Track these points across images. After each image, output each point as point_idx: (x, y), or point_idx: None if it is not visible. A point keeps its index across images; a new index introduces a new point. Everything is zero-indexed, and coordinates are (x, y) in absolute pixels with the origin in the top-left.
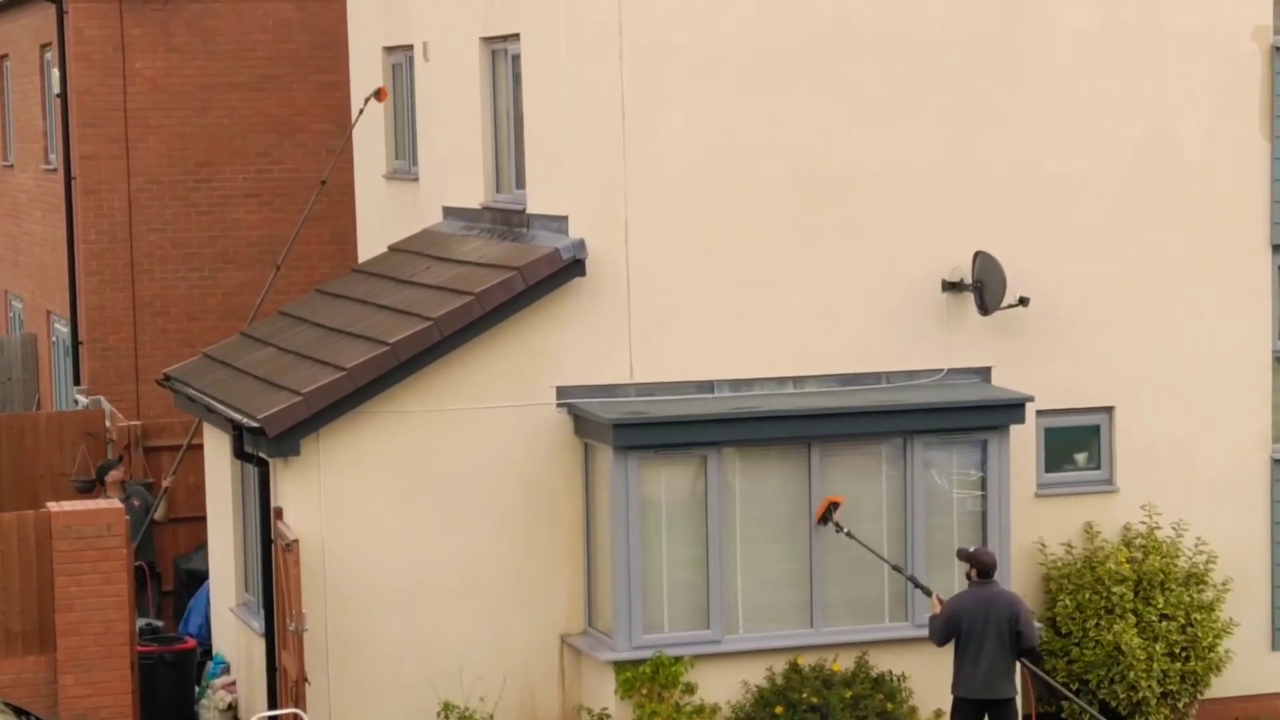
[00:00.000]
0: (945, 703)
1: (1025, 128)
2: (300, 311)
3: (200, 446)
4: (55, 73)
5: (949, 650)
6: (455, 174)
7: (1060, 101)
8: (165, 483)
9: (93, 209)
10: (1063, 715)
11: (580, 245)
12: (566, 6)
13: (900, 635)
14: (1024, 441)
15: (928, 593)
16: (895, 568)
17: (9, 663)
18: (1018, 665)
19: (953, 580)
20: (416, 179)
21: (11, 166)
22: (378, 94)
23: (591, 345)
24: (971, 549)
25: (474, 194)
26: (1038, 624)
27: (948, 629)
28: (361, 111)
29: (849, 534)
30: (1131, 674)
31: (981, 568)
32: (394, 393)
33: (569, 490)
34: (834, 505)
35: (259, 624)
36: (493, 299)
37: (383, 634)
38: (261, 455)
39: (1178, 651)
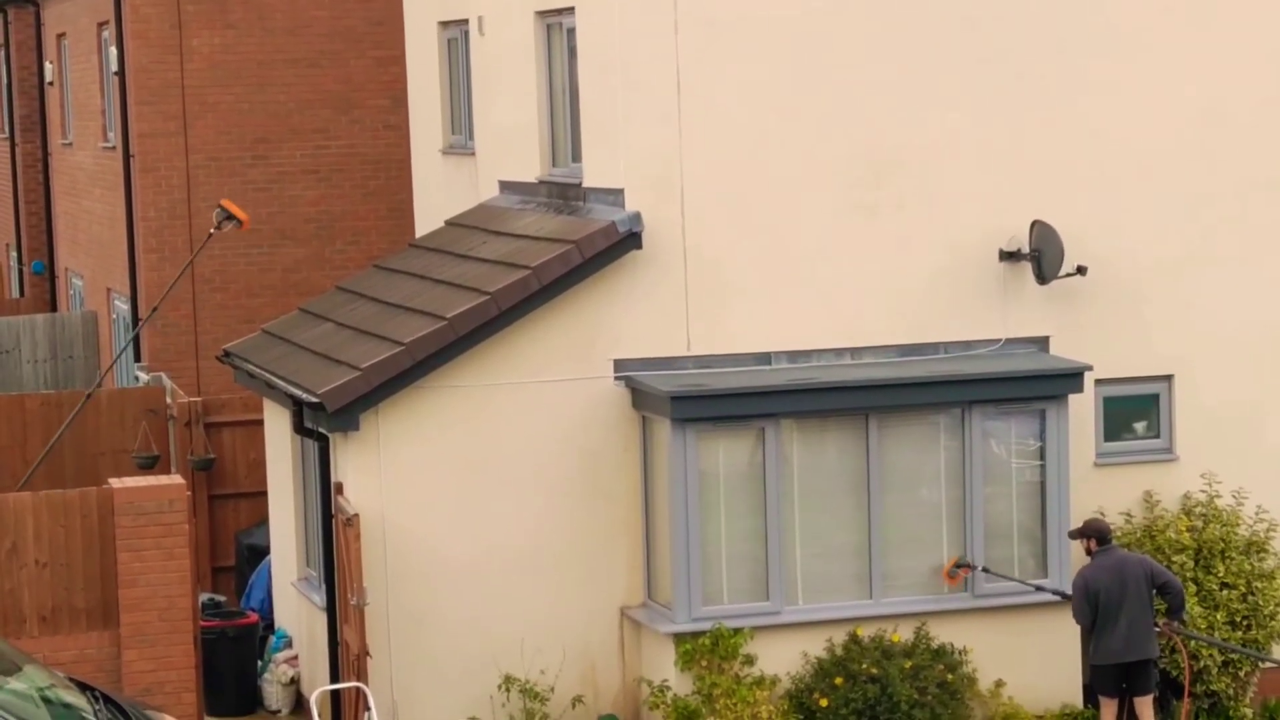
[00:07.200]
0: (1004, 673)
1: (1081, 97)
2: (358, 287)
3: (260, 422)
4: (113, 51)
5: (1009, 620)
6: (511, 148)
7: (1118, 69)
8: None
9: (151, 186)
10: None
11: (636, 218)
12: None
13: (959, 606)
14: (1083, 410)
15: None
16: (1039, 588)
17: (73, 639)
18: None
19: (1012, 555)
20: (473, 153)
21: (70, 145)
22: (237, 222)
23: (649, 318)
24: (1084, 523)
25: (530, 168)
26: None
27: (1088, 605)
28: (210, 235)
29: (985, 569)
30: (1192, 643)
31: (1100, 535)
32: (452, 367)
33: (627, 463)
34: (958, 566)
35: (320, 598)
36: (550, 273)
37: (444, 608)
38: (321, 430)
39: (1239, 620)
